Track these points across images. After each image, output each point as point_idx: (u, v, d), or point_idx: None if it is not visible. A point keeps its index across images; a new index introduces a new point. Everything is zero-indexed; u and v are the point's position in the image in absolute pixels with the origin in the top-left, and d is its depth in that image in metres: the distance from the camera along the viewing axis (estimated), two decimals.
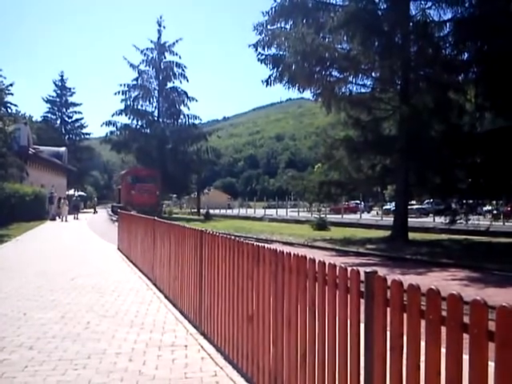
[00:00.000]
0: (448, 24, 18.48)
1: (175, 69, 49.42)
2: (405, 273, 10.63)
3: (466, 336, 2.00)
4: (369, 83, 21.53)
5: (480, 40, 16.58)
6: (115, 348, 4.99)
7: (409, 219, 21.57)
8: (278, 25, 21.58)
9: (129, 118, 48.74)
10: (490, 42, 15.99)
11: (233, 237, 4.84)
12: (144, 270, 9.86)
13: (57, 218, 32.84)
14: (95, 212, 48.78)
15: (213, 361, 4.63)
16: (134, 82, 49.18)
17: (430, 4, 18.82)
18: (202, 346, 5.07)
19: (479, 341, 1.93)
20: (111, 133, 48.92)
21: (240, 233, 22.64)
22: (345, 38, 18.94)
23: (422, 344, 2.26)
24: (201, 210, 53.14)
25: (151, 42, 49.05)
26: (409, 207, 24.17)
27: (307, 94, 22.69)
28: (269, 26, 21.58)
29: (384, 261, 13.00)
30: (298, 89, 21.43)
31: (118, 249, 14.47)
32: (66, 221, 32.02)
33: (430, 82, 18.44)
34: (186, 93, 49.66)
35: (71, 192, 54.69)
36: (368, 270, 2.74)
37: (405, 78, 18.89)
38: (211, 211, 49.41)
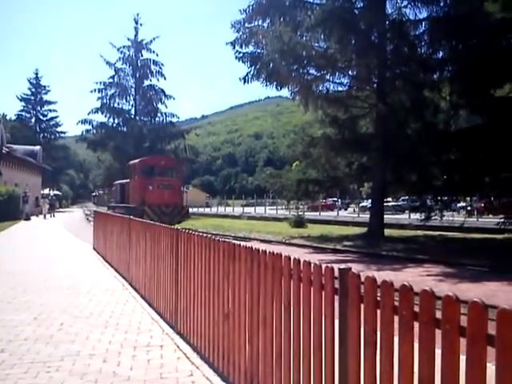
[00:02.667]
0: (423, 23, 18.73)
1: (152, 66, 49.03)
2: (381, 269, 10.73)
3: (438, 331, 2.01)
4: (346, 81, 21.68)
5: (455, 39, 16.83)
6: (89, 349, 4.91)
7: (385, 216, 21.80)
8: (256, 23, 21.57)
9: (105, 116, 48.24)
10: (465, 41, 16.25)
11: (209, 235, 4.80)
12: (120, 269, 9.74)
13: (32, 217, 32.77)
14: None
15: (189, 360, 4.59)
16: (111, 80, 48.63)
17: (405, 3, 19.05)
18: (177, 346, 5.02)
19: (451, 336, 1.94)
20: (87, 131, 48.33)
21: (218, 231, 22.60)
22: (322, 37, 19.00)
23: (396, 340, 2.26)
24: None
25: (128, 39, 48.60)
26: (385, 204, 24.42)
27: (285, 93, 22.77)
28: (246, 24, 21.54)
29: (361, 257, 13.11)
30: (276, 87, 21.44)
31: (94, 248, 14.29)
32: (46, 218, 34.55)
33: (406, 80, 18.65)
34: (163, 91, 49.33)
35: (46, 191, 53.77)
36: (342, 266, 2.74)
37: (381, 76, 19.06)
38: (189, 210, 49.05)
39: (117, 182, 32.85)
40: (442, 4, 18.04)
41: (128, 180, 28.73)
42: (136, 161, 27.79)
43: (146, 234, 7.28)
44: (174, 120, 50.38)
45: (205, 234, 4.92)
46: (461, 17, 15.19)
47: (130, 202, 26.75)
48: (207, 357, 4.51)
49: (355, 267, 8.94)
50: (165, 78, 49.77)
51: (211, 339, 4.43)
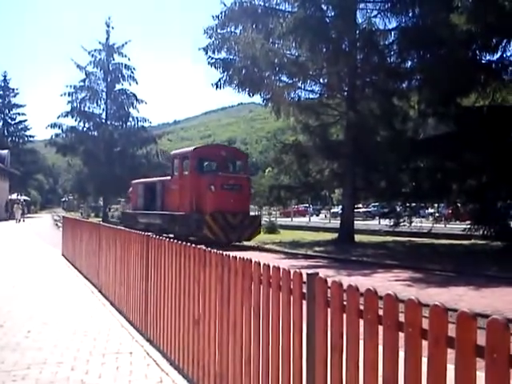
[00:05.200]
0: (393, 33, 19.13)
1: (124, 71, 48.53)
2: (351, 274, 10.87)
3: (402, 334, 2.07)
4: (317, 89, 21.94)
5: (423, 49, 17.24)
6: (57, 357, 4.83)
7: (356, 222, 22.09)
8: (228, 29, 21.66)
9: (75, 120, 47.42)
10: (432, 51, 16.66)
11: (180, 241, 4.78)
12: (89, 276, 9.61)
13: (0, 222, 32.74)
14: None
15: (158, 367, 4.57)
16: (81, 84, 47.90)
17: (375, 13, 19.43)
18: (147, 353, 4.99)
19: (413, 339, 2.00)
20: (56, 135, 47.48)
21: (191, 238, 22.47)
22: (293, 44, 19.20)
23: (362, 343, 2.32)
24: None
25: (99, 43, 48.04)
26: (355, 210, 24.74)
27: (258, 99, 22.90)
28: (219, 30, 21.61)
29: (331, 263, 13.24)
30: (248, 93, 21.55)
31: (63, 255, 14.04)
32: (19, 222, 36.13)
33: (376, 88, 19.00)
34: (135, 95, 48.87)
35: (14, 196, 52.56)
36: (310, 271, 2.80)
37: (351, 84, 19.38)
38: None
39: (137, 181, 25.52)
40: (410, 14, 18.47)
41: (165, 178, 21.89)
42: (187, 149, 20.63)
43: (116, 240, 7.21)
44: (146, 125, 49.95)
45: (175, 240, 4.91)
46: (428, 27, 15.58)
47: (171, 207, 19.66)
48: (177, 363, 4.50)
49: (326, 272, 8.99)
50: (137, 83, 49.37)
51: (181, 345, 4.43)
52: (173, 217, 19.19)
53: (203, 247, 4.13)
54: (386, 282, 9.83)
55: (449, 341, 1.86)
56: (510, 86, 16.18)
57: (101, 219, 38.27)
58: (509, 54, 15.37)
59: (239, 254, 3.60)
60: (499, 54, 15.36)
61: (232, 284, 3.54)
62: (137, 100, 48.79)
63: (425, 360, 1.95)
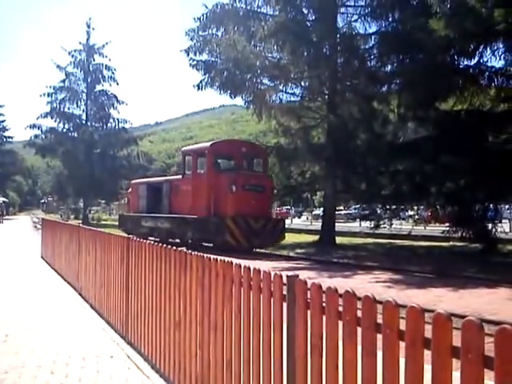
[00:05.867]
0: (373, 37, 19.35)
1: (105, 71, 48.12)
2: (332, 276, 10.93)
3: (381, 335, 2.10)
4: (298, 92, 22.07)
5: (402, 53, 17.45)
6: (35, 361, 4.77)
7: (337, 224, 22.24)
8: (210, 31, 21.66)
9: (55, 121, 46.89)
10: (412, 56, 16.88)
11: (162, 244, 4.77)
12: (68, 278, 9.51)
13: None
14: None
15: (139, 370, 4.55)
16: (61, 84, 47.38)
17: (356, 17, 19.64)
18: (128, 356, 4.96)
19: (391, 340, 2.04)
20: (36, 136, 46.87)
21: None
22: (275, 47, 19.31)
23: (341, 344, 2.35)
24: None
25: (80, 43, 47.59)
26: (337, 213, 24.91)
27: (240, 101, 22.92)
28: (200, 32, 21.61)
29: (313, 264, 13.30)
30: (230, 95, 21.57)
31: (42, 257, 13.86)
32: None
33: (356, 92, 19.20)
34: (115, 96, 48.50)
35: None
36: (290, 273, 2.83)
37: (332, 88, 19.53)
38: None
39: (138, 180, 23.85)
40: (390, 19, 18.71)
41: (174, 177, 20.78)
42: (203, 145, 18.64)
43: (96, 243, 7.16)
44: (127, 126, 49.59)
45: (156, 243, 4.90)
46: (408, 32, 15.80)
47: (182, 209, 17.72)
48: (158, 366, 4.48)
49: (307, 274, 9.06)
50: (117, 83, 49.02)
51: (162, 348, 4.42)
52: (185, 220, 17.36)
53: (184, 250, 4.14)
54: (367, 284, 9.92)
55: (425, 342, 1.90)
56: (486, 90, 16.47)
57: (81, 221, 37.86)
58: (486, 59, 15.65)
59: (220, 256, 3.62)
60: (476, 59, 15.64)
61: (213, 286, 3.55)
62: (117, 101, 48.44)
63: (403, 360, 1.98)
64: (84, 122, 48.01)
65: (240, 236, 15.83)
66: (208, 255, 3.73)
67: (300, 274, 2.84)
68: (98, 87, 48.52)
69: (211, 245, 17.18)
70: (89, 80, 47.95)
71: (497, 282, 10.33)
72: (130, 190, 23.70)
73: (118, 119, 48.46)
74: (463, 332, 1.72)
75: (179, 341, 4.06)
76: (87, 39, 47.72)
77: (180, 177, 18.93)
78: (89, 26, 47.91)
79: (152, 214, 19.85)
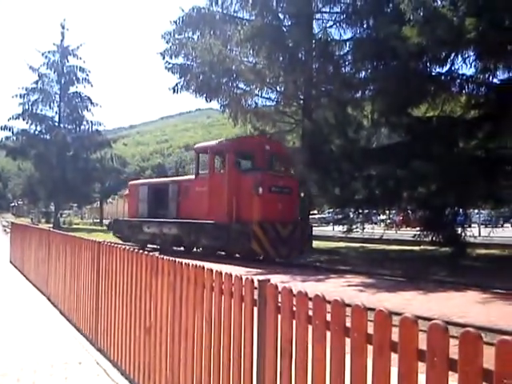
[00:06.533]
0: (348, 43, 19.55)
1: (79, 73, 47.47)
2: (305, 280, 10.98)
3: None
4: (274, 97, 22.14)
5: (376, 60, 17.66)
6: (2, 368, 4.66)
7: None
8: (186, 34, 21.58)
9: (27, 123, 45.99)
10: (385, 63, 17.11)
11: (132, 248, 4.73)
12: (37, 284, 9.32)
13: None
14: None
15: (108, 377, 4.48)
16: (34, 86, 46.57)
17: (331, 23, 19.84)
18: (97, 362, 4.89)
19: (359, 344, 2.06)
20: (7, 138, 45.85)
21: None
22: (251, 52, 19.36)
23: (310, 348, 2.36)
24: (104, 221, 51.26)
25: (54, 44, 46.90)
26: (311, 217, 25.03)
27: (216, 105, 22.88)
28: (176, 35, 21.51)
29: (287, 268, 13.32)
30: (206, 99, 21.51)
31: (11, 262, 13.55)
32: None
33: (331, 97, 19.36)
34: (89, 98, 47.88)
35: None
36: (262, 278, 2.83)
37: (307, 93, 19.66)
38: None
39: (138, 181, 22.12)
40: (365, 26, 18.93)
41: (183, 177, 19.18)
42: (224, 142, 16.78)
43: (67, 247, 7.04)
44: (101, 128, 48.98)
45: (128, 247, 4.85)
46: (382, 39, 15.99)
47: (195, 214, 16.00)
48: (127, 372, 4.43)
49: (281, 278, 9.10)
50: (91, 85, 48.48)
51: (132, 354, 4.36)
52: (199, 226, 15.69)
53: (156, 254, 4.10)
54: (339, 288, 9.99)
55: (392, 345, 1.92)
56: (457, 97, 16.83)
57: (52, 225, 37.17)
58: (457, 66, 15.99)
59: (193, 261, 3.60)
60: (448, 66, 15.95)
61: (184, 291, 3.53)
62: (91, 103, 47.86)
63: (372, 363, 2.00)
64: (57, 124, 47.27)
65: (267, 244, 14.40)
66: (179, 259, 3.71)
67: (274, 278, 2.85)
68: (72, 89, 47.88)
69: (223, 253, 16.16)
70: (62, 82, 47.27)
71: (466, 285, 10.54)
72: (128, 192, 21.65)
73: (91, 121, 47.87)
74: (429, 335, 1.74)
75: (149, 346, 4.02)
76: (61, 40, 47.07)
77: (191, 177, 17.33)
78: (63, 27, 47.29)
79: (156, 219, 18.02)
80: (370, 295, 9.24)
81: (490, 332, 6.06)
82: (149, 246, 18.70)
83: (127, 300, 4.52)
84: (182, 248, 17.72)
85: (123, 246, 4.91)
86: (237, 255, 15.85)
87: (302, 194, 15.76)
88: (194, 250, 17.39)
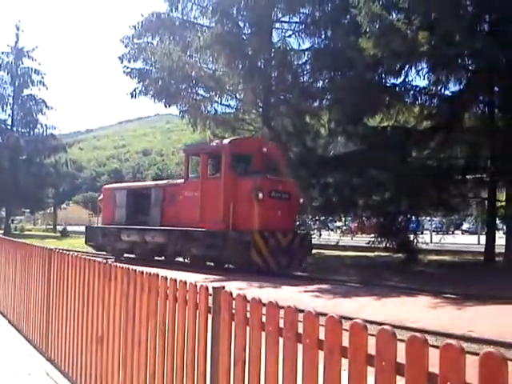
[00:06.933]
0: (306, 53, 19.85)
1: (33, 75, 46.16)
2: (262, 286, 11.00)
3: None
4: (233, 104, 22.21)
5: (333, 70, 18.06)
6: None
7: None
8: (145, 39, 21.40)
9: None
10: (342, 73, 17.50)
11: (85, 255, 4.63)
12: None
13: None
14: None
15: None
16: None
17: (290, 33, 20.09)
18: (47, 373, 4.74)
19: (311, 350, 2.08)
20: None
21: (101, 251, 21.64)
22: (210, 59, 19.40)
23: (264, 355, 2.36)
24: (58, 227, 49.88)
25: (8, 45, 45.50)
26: None
27: (176, 110, 22.69)
28: (135, 40, 21.31)
29: (244, 275, 13.30)
30: (165, 104, 21.34)
31: None
32: None
33: (289, 106, 19.60)
34: (44, 101, 46.63)
35: None
36: (222, 284, 2.82)
37: (266, 101, 19.83)
38: (70, 228, 46.61)
39: (114, 185, 20.91)
40: (323, 37, 19.30)
41: (169, 182, 17.91)
42: (219, 143, 15.77)
43: (16, 254, 6.81)
44: (56, 132, 47.80)
45: (80, 254, 4.74)
46: (339, 50, 16.37)
47: (183, 221, 14.96)
48: (79, 383, 4.31)
49: (238, 285, 9.05)
50: (47, 88, 47.24)
51: (83, 364, 4.26)
52: (189, 234, 14.65)
53: (109, 261, 4.02)
54: (296, 294, 10.06)
55: (343, 350, 1.95)
56: (411, 108, 17.37)
57: (2, 231, 35.87)
58: (411, 78, 16.50)
59: (149, 269, 3.55)
60: (402, 78, 16.46)
61: (138, 299, 3.48)
62: (46, 106, 46.65)
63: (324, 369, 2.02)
64: (9, 127, 45.80)
65: (267, 254, 13.43)
66: (133, 267, 3.65)
67: (231, 285, 2.85)
68: (26, 91, 46.55)
69: (212, 263, 15.18)
70: (16, 84, 45.90)
71: (418, 290, 10.83)
72: (102, 196, 19.89)
73: (46, 125, 46.63)
74: (377, 340, 1.77)
75: (101, 356, 3.93)
76: (16, 42, 45.73)
77: (179, 181, 16.24)
78: (18, 29, 45.99)
79: (137, 227, 16.77)
80: (326, 301, 9.36)
81: (441, 336, 6.25)
82: (125, 255, 17.95)
83: (79, 308, 4.42)
84: (162, 258, 16.75)
85: (75, 253, 4.79)
86: (229, 266, 14.96)
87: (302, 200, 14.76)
88: (180, 259, 16.32)
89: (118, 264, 3.86)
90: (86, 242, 19.95)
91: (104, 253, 18.41)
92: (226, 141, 15.40)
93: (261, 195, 13.33)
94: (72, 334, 4.56)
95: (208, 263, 15.40)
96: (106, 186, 20.80)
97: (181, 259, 16.29)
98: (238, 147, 14.90)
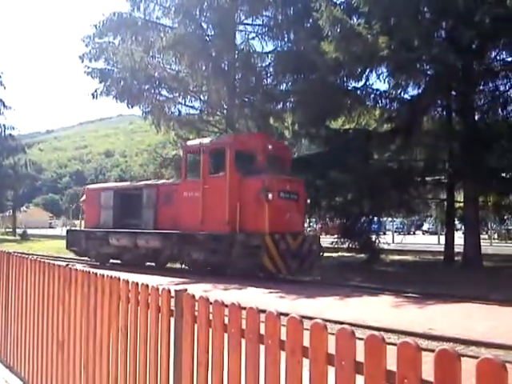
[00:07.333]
0: (269, 56, 19.97)
1: None
2: (227, 288, 10.99)
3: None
4: (197, 105, 22.11)
5: (296, 73, 18.24)
6: None
7: None
8: (106, 39, 21.04)
9: None
10: (305, 76, 17.69)
11: (46, 259, 4.53)
12: None
13: None
14: None
15: None
16: None
17: (253, 35, 20.17)
18: (6, 380, 4.63)
19: (272, 350, 2.10)
20: None
21: (61, 254, 21.15)
22: (174, 59, 19.26)
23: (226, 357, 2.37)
24: (17, 230, 48.47)
25: None
26: None
27: (139, 111, 22.40)
28: (97, 39, 20.91)
29: (209, 277, 13.27)
30: (127, 105, 21.04)
31: None
32: None
33: (253, 108, 19.67)
34: (2, 101, 45.28)
35: None
36: (184, 287, 2.82)
37: (230, 103, 19.83)
38: (29, 231, 45.39)
39: (98, 186, 20.02)
40: (286, 39, 19.47)
41: (164, 181, 16.84)
42: (222, 139, 14.98)
43: None
44: (15, 133, 46.47)
45: (40, 258, 4.63)
46: (302, 53, 16.54)
47: (184, 223, 13.98)
48: None
49: (203, 287, 9.00)
50: (4, 88, 45.85)
51: (44, 370, 4.17)
52: (189, 238, 13.75)
53: (69, 265, 3.95)
54: (261, 296, 10.10)
55: (304, 350, 1.97)
56: (372, 111, 17.74)
57: None
58: (371, 82, 16.87)
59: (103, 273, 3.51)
60: (363, 81, 16.80)
61: (99, 303, 3.44)
62: (4, 106, 45.32)
63: (285, 369, 2.04)
64: None
65: (279, 259, 12.48)
66: (93, 270, 3.60)
67: (196, 287, 2.84)
68: None
69: (209, 268, 14.09)
70: None
71: (380, 290, 11.06)
72: (85, 197, 18.59)
73: (4, 125, 45.27)
74: (337, 340, 1.80)
75: (62, 362, 3.86)
76: None
77: (176, 181, 15.29)
78: None
79: (128, 230, 15.72)
80: (290, 301, 9.44)
81: (402, 334, 6.40)
82: (111, 261, 16.98)
83: (39, 313, 4.32)
84: (153, 264, 15.94)
85: (34, 257, 4.68)
86: (225, 271, 13.90)
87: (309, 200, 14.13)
88: (173, 266, 15.74)
89: (78, 268, 3.80)
90: (67, 247, 18.75)
91: (87, 259, 17.59)
92: (230, 137, 14.53)
93: (270, 196, 12.46)
94: (32, 339, 4.45)
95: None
96: (90, 187, 19.76)
97: (172, 265, 15.76)
98: (241, 144, 13.88)
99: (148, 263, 16.09)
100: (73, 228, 21.14)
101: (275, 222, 12.42)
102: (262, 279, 12.73)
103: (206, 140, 14.80)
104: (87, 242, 17.15)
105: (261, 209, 12.42)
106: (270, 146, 13.98)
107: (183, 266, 15.11)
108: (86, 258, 17.88)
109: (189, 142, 16.13)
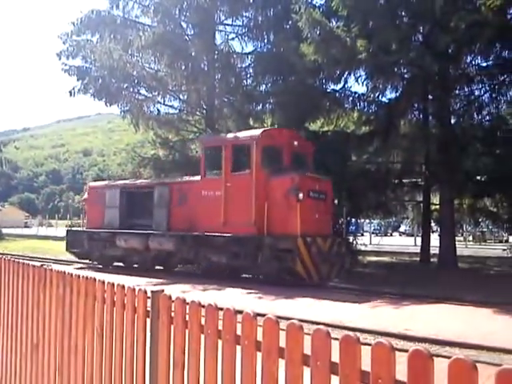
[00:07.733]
0: (249, 56, 19.97)
1: None
2: (206, 289, 10.98)
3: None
4: (177, 105, 21.97)
5: (275, 74, 18.29)
6: None
7: None
8: (84, 36, 20.78)
9: None
10: (284, 77, 17.76)
11: (21, 259, 4.46)
12: None
13: None
14: None
15: None
16: None
17: (233, 36, 20.14)
18: None
19: (249, 351, 2.10)
20: None
21: (37, 254, 20.82)
22: (153, 58, 19.10)
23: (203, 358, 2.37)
24: None
25: None
26: None
27: (117, 110, 22.16)
28: (74, 37, 20.63)
29: (188, 278, 13.22)
30: (105, 103, 20.80)
31: None
32: None
33: (233, 109, 19.65)
34: None
35: None
36: (156, 288, 2.80)
37: (210, 103, 19.79)
38: (5, 230, 44.58)
39: (102, 183, 18.69)
40: (265, 41, 19.49)
41: (179, 179, 15.24)
42: (249, 133, 13.48)
43: None
44: None
45: (15, 258, 4.55)
46: (281, 54, 16.60)
47: (202, 225, 13.07)
48: None
49: (182, 288, 8.97)
50: None
51: (18, 373, 4.10)
52: (210, 240, 12.84)
53: (44, 265, 3.89)
54: (240, 296, 10.11)
55: (280, 351, 1.98)
56: (350, 114, 17.90)
57: None
58: (350, 85, 17.03)
59: (79, 273, 3.47)
60: (342, 84, 16.95)
61: (74, 304, 3.40)
62: None
63: (261, 369, 2.04)
64: None
65: (310, 264, 11.65)
66: (68, 271, 3.56)
67: (174, 288, 2.83)
68: None
69: (227, 272, 13.29)
70: None
71: (358, 291, 11.17)
72: (87, 196, 17.47)
73: None
74: (313, 340, 1.81)
75: (37, 364, 3.81)
76: None
77: (194, 178, 13.98)
78: None
79: (138, 231, 14.71)
80: (270, 302, 9.47)
81: (378, 335, 6.48)
82: (115, 263, 16.17)
83: (12, 315, 4.25)
84: (161, 267, 15.25)
85: (8, 257, 4.60)
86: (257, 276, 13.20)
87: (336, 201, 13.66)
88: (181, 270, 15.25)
89: (53, 268, 3.75)
90: (66, 249, 17.61)
91: (88, 262, 16.78)
92: (257, 131, 13.44)
93: (301, 195, 11.55)
94: (5, 341, 4.38)
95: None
96: (93, 184, 18.71)
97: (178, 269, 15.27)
98: (268, 139, 12.87)
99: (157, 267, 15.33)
100: (74, 228, 20.22)
101: (305, 224, 11.56)
102: (240, 281, 12.67)
103: (230, 135, 14.07)
104: (90, 243, 16.20)
105: (291, 209, 11.61)
106: (295, 143, 13.21)
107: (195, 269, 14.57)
108: (81, 260, 17.28)
109: (207, 137, 15.30)
